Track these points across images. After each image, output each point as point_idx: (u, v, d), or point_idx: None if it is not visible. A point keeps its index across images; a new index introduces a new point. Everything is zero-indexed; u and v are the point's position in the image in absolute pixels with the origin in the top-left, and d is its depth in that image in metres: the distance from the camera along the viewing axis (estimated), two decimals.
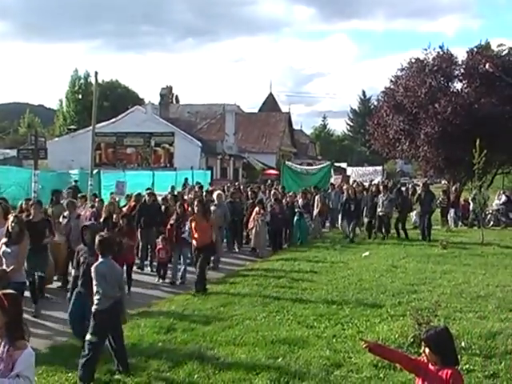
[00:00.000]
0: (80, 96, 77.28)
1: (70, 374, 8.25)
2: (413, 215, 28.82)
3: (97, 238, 8.52)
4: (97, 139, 36.82)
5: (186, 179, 32.32)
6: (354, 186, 29.14)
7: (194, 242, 14.32)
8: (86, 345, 8.05)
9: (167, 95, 64.55)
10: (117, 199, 18.00)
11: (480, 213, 25.52)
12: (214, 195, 19.70)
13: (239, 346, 9.25)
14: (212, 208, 17.52)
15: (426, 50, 37.73)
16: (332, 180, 33.36)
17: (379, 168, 51.75)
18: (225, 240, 20.31)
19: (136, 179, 30.82)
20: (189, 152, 46.70)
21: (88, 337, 8.05)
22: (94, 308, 8.14)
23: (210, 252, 14.47)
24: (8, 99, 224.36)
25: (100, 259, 8.32)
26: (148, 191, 19.52)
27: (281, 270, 16.28)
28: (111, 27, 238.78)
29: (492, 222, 28.99)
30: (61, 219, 14.61)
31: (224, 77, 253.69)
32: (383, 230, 23.52)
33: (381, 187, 25.81)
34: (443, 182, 54.40)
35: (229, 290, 13.72)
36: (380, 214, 23.37)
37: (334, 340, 9.45)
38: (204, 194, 21.90)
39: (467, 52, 37.41)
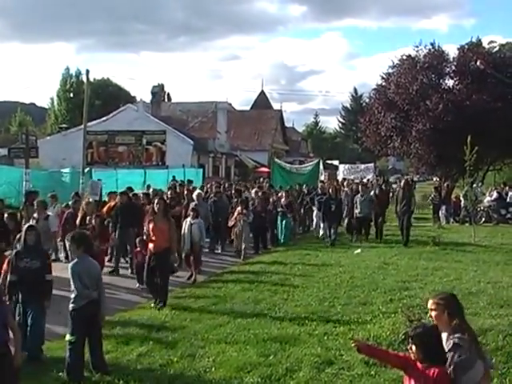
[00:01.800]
0: (71, 94, 77.03)
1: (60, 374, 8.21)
2: None
3: (71, 236, 8.59)
4: (88, 138, 36.89)
5: (174, 177, 32.20)
6: (334, 184, 28.29)
7: (150, 245, 12.53)
8: (67, 345, 7.99)
9: (159, 93, 64.42)
10: (90, 200, 17.30)
11: (471, 209, 25.55)
12: (194, 195, 19.19)
13: (230, 344, 9.23)
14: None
15: (417, 46, 37.87)
16: (322, 177, 33.04)
17: (371, 165, 51.72)
18: (207, 240, 19.44)
19: (128, 177, 30.81)
20: (181, 150, 46.59)
21: (67, 337, 8.01)
22: (70, 306, 8.09)
23: (167, 258, 12.47)
24: None
25: (76, 258, 8.24)
26: (121, 190, 18.84)
27: (272, 268, 16.23)
28: (104, 25, 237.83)
29: (484, 219, 29.10)
30: (31, 221, 13.61)
31: (217, 75, 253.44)
32: (362, 232, 22.14)
33: (359, 186, 24.34)
34: (435, 178, 54.48)
35: (220, 288, 13.67)
36: (358, 215, 22.01)
37: (326, 337, 9.44)
38: (185, 192, 21.04)
39: (458, 49, 37.57)
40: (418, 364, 4.91)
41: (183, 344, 9.31)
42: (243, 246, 18.94)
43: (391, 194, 32.85)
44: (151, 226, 12.50)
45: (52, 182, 27.86)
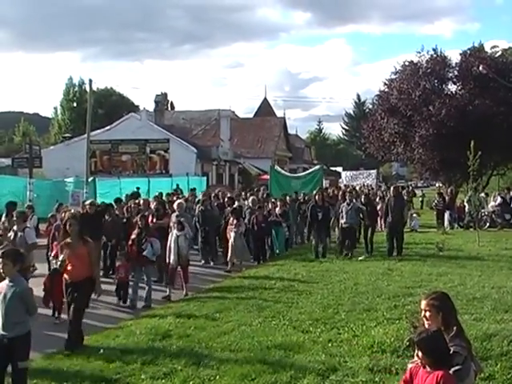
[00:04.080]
0: (75, 104, 77.30)
1: None
2: (412, 218, 28.92)
3: (4, 253, 7.65)
4: (92, 147, 37.08)
5: (178, 185, 32.26)
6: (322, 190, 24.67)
7: (65, 275, 10.29)
8: (22, 374, 7.35)
9: (162, 102, 64.56)
10: (72, 211, 16.89)
11: (475, 214, 25.50)
12: (175, 205, 17.62)
13: (235, 352, 9.20)
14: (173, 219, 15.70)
15: (419, 52, 37.97)
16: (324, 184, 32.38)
17: (373, 171, 51.86)
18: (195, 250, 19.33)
19: (131, 186, 30.88)
20: (184, 158, 46.70)
21: (24, 364, 7.34)
22: (24, 330, 7.39)
23: (87, 290, 10.30)
24: (3, 108, 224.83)
25: (14, 278, 7.48)
26: (90, 200, 18.20)
27: (275, 275, 16.16)
28: (107, 34, 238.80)
29: (488, 224, 29.03)
30: (10, 234, 12.96)
31: (221, 83, 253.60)
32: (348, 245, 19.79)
33: (346, 193, 21.50)
34: (437, 184, 54.49)
35: (223, 296, 13.64)
36: (344, 225, 19.77)
37: (330, 344, 9.40)
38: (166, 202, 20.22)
39: (461, 54, 37.71)
40: (422, 370, 4.92)
41: (187, 352, 9.27)
42: (235, 259, 18.26)
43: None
44: (65, 251, 10.30)
45: (56, 191, 27.99)
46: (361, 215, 20.22)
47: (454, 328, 5.15)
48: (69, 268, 10.21)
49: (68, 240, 10.32)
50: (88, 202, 17.57)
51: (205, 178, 43.07)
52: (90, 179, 28.53)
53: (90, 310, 12.47)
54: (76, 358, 9.22)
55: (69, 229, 10.35)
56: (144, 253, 13.51)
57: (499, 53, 40.69)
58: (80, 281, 10.03)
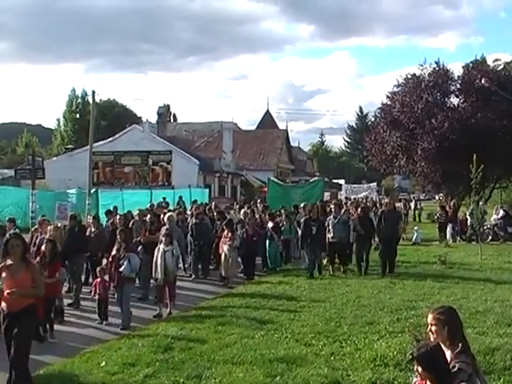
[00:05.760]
0: (77, 115, 77.53)
1: None
2: (413, 231, 28.91)
3: None
4: (94, 158, 37.12)
5: (180, 197, 32.26)
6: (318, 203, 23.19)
7: (3, 304, 8.41)
8: None
9: (165, 114, 64.71)
10: (59, 225, 15.90)
11: (478, 228, 25.45)
12: (165, 217, 17.08)
13: (237, 365, 9.18)
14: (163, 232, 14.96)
15: (421, 65, 38.00)
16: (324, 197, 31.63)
17: (373, 184, 52.06)
18: (181, 266, 18.52)
19: (134, 198, 30.90)
20: (186, 170, 46.75)
21: None
22: None
23: (30, 321, 8.43)
24: (6, 119, 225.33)
25: None
26: (71, 214, 17.34)
27: (278, 288, 16.19)
28: (112, 46, 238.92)
29: (490, 237, 28.97)
30: None
31: (225, 95, 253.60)
32: (337, 262, 19.11)
33: (332, 206, 20.77)
34: (437, 197, 54.42)
35: (226, 309, 13.60)
36: (331, 240, 18.70)
37: (332, 358, 9.39)
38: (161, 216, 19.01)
39: (463, 67, 37.71)
40: None
41: (190, 365, 9.26)
42: (229, 273, 17.52)
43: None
44: (4, 275, 8.44)
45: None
46: (351, 228, 19.13)
47: (460, 344, 5.06)
48: (6, 295, 8.31)
49: (9, 262, 8.47)
50: (68, 215, 16.93)
51: (207, 190, 43.10)
52: (92, 190, 28.53)
53: (78, 329, 12.42)
54: (78, 370, 9.22)
55: (11, 249, 8.51)
56: (120, 269, 12.28)
57: (501, 66, 40.62)
58: (20, 310, 8.27)
